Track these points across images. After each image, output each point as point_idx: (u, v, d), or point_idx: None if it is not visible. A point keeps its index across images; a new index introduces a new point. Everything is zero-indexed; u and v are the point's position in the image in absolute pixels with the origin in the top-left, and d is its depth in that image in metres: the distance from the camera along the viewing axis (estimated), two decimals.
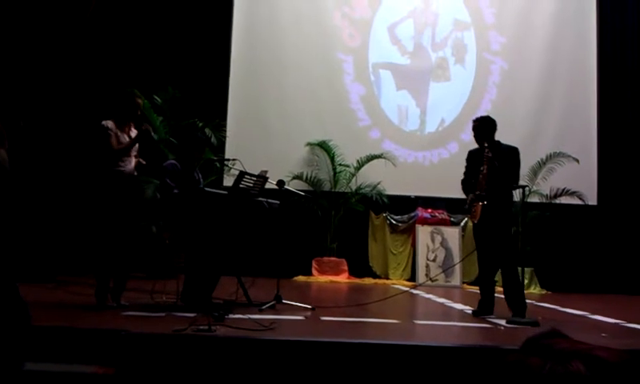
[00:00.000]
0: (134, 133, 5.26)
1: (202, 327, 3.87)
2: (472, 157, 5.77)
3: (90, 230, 6.54)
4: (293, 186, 7.48)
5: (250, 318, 4.53)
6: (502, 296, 5.48)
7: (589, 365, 0.74)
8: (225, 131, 9.39)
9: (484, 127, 5.59)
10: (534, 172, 9.17)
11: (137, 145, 5.30)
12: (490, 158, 5.43)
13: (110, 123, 5.17)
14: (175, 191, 5.26)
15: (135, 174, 5.35)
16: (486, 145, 5.52)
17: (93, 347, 3.56)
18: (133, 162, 5.30)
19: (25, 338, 1.03)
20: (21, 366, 1.02)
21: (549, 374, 0.75)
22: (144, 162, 5.48)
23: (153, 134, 5.42)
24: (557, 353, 0.77)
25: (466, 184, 5.77)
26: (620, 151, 9.97)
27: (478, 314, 5.59)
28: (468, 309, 6.19)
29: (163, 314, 4.72)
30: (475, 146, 5.77)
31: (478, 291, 5.77)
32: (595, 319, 5.88)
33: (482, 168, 5.47)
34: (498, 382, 0.80)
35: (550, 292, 8.85)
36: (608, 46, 10.24)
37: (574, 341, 0.79)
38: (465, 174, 5.83)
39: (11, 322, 0.98)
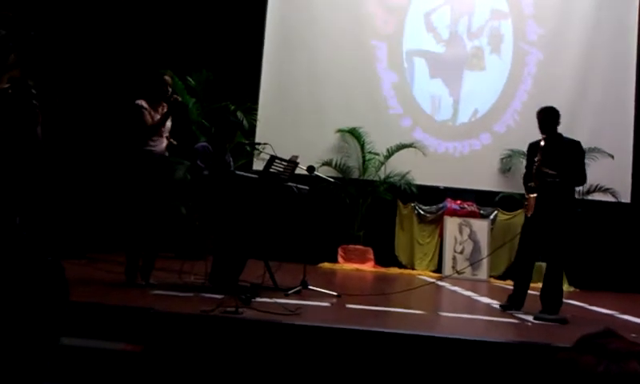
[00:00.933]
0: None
1: (229, 309, 3.92)
2: (531, 149, 5.63)
3: (120, 208, 6.63)
4: (322, 173, 7.47)
5: (276, 302, 4.56)
6: (533, 292, 5.42)
7: None
8: (256, 115, 9.41)
9: (546, 118, 5.44)
10: None
11: (168, 124, 5.36)
12: (544, 147, 5.30)
13: (143, 102, 5.25)
14: (205, 173, 5.30)
15: (166, 154, 5.42)
16: (543, 137, 5.37)
17: (121, 324, 3.62)
18: (164, 142, 5.37)
19: (62, 313, 1.05)
20: (57, 341, 1.04)
21: (604, 373, 0.73)
22: (175, 143, 5.54)
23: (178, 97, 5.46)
24: (611, 352, 0.75)
25: (525, 178, 5.65)
26: None
27: (506, 309, 5.49)
28: (495, 303, 6.14)
29: (191, 295, 4.78)
30: (530, 138, 5.68)
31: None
32: (624, 319, 5.79)
33: (535, 160, 5.34)
34: (549, 380, 0.79)
35: (578, 289, 8.73)
36: None
37: (628, 341, 0.78)
38: (526, 167, 5.73)
39: (50, 297, 1.00)
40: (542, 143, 5.32)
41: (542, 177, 5.24)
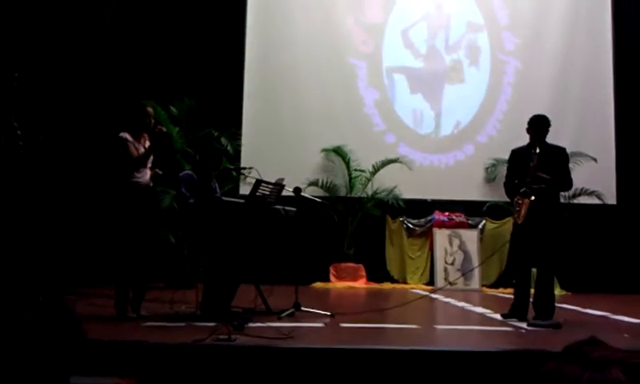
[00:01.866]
0: (147, 145, 5.32)
1: (222, 337, 3.88)
2: (516, 156, 5.62)
3: (108, 241, 6.58)
4: (309, 193, 7.47)
5: (269, 326, 4.53)
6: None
7: (628, 372, 0.72)
8: (240, 140, 9.42)
9: (542, 126, 5.44)
10: None
11: (151, 157, 5.36)
12: (539, 154, 5.28)
13: (127, 135, 5.24)
14: (190, 201, 5.28)
15: (151, 184, 5.41)
16: (536, 144, 5.37)
17: (113, 358, 3.57)
18: (148, 173, 5.36)
19: (74, 351, 1.05)
20: (67, 380, 1.03)
21: (587, 382, 0.73)
22: (160, 173, 5.53)
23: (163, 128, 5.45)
24: (595, 360, 0.75)
25: (509, 185, 5.63)
26: (638, 149, 9.85)
27: (508, 317, 5.42)
28: (488, 312, 6.14)
29: (183, 324, 4.74)
30: (513, 146, 5.70)
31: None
32: (617, 319, 5.82)
33: (531, 164, 5.28)
34: None
35: (570, 293, 8.76)
36: (624, 44, 10.13)
37: (612, 348, 0.78)
38: (507, 176, 5.71)
39: (60, 335, 1.00)
40: (537, 150, 5.33)
41: (538, 182, 5.25)
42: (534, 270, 5.51)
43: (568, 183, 5.53)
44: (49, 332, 0.99)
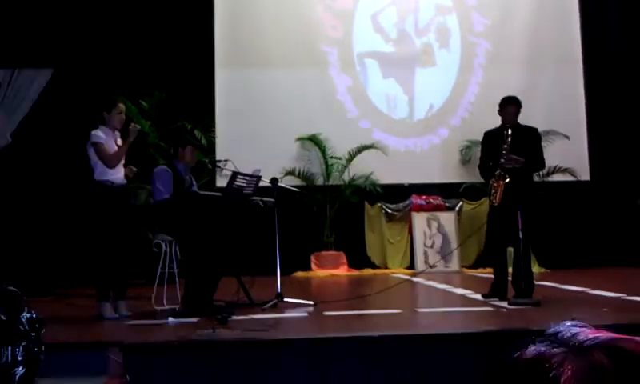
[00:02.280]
0: (119, 141, 5.26)
1: (206, 331, 3.87)
2: (489, 138, 5.64)
3: (86, 241, 6.51)
4: (286, 182, 7.44)
5: (253, 319, 4.53)
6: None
7: (611, 355, 0.72)
8: (214, 132, 9.35)
9: (515, 107, 5.45)
10: None
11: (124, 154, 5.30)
12: (512, 135, 5.28)
13: (99, 132, 5.16)
14: (166, 196, 5.23)
15: (125, 182, 5.34)
16: (507, 126, 5.38)
17: (97, 359, 3.54)
18: (122, 170, 5.29)
19: (35, 352, 1.03)
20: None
21: (569, 365, 0.73)
22: (135, 169, 5.46)
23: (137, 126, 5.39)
24: (577, 344, 0.75)
25: (483, 167, 5.63)
26: (609, 125, 9.99)
27: (488, 298, 5.48)
28: (469, 293, 6.21)
29: (166, 321, 4.71)
30: (486, 127, 5.72)
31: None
32: (596, 294, 5.91)
33: (504, 146, 5.29)
34: (516, 376, 0.78)
35: (548, 270, 8.88)
36: (591, 20, 10.24)
37: (595, 331, 0.78)
38: (481, 158, 5.71)
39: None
40: (510, 131, 5.35)
41: (512, 164, 5.28)
42: (510, 249, 5.57)
43: (541, 163, 5.59)
44: None
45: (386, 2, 10.23)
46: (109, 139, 5.19)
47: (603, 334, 0.77)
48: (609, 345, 0.74)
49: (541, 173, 9.03)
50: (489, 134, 5.67)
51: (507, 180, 5.25)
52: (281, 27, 9.92)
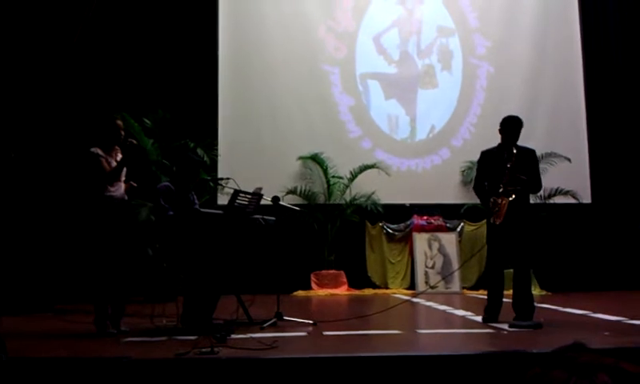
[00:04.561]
0: (119, 157, 5.27)
1: (204, 349, 3.84)
2: (486, 158, 5.61)
3: (85, 258, 6.50)
4: (287, 201, 7.45)
5: (251, 338, 4.50)
6: (506, 300, 5.44)
7: (615, 378, 0.72)
8: (216, 150, 9.38)
9: (518, 127, 5.44)
10: None
11: (125, 169, 5.31)
12: (516, 154, 5.28)
13: (98, 150, 5.18)
14: (170, 213, 5.23)
15: (126, 198, 5.36)
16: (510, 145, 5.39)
17: (96, 376, 3.51)
18: (122, 186, 5.31)
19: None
20: None
21: None
22: (135, 185, 5.47)
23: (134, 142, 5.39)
24: (581, 366, 0.75)
25: (480, 187, 5.60)
26: (610, 148, 10.01)
27: (487, 321, 5.40)
28: (470, 314, 6.17)
29: (164, 338, 4.68)
30: (480, 146, 5.72)
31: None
32: (597, 317, 5.87)
33: (508, 165, 5.26)
34: None
35: (550, 293, 8.84)
36: (592, 44, 10.31)
37: (598, 354, 0.78)
38: (477, 178, 5.68)
39: None
40: (515, 150, 5.34)
41: (515, 183, 5.27)
42: (509, 271, 5.53)
43: (538, 185, 5.56)
44: None
45: (388, 23, 10.31)
46: (108, 156, 5.21)
47: (606, 358, 0.77)
48: (612, 367, 0.74)
49: (542, 194, 9.06)
50: (486, 154, 5.64)
51: (512, 197, 5.23)
52: (284, 48, 9.99)
